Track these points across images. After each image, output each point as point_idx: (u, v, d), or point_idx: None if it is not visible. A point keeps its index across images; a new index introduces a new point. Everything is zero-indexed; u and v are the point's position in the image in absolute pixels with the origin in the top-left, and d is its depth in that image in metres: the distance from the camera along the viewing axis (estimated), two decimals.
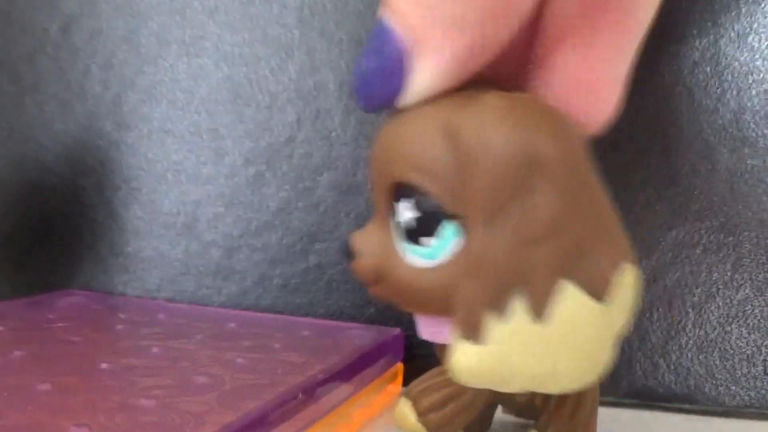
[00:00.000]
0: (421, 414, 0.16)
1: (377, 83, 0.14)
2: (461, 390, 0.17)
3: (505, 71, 0.16)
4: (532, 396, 0.18)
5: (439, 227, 0.14)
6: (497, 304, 0.13)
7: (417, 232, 0.14)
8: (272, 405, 0.17)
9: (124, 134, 0.31)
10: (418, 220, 0.14)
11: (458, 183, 0.13)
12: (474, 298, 0.13)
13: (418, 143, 0.14)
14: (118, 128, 0.31)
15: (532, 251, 0.13)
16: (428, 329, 0.16)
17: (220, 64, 0.29)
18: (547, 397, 0.18)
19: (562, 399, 0.17)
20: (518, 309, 0.13)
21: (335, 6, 0.28)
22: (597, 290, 0.13)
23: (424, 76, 0.14)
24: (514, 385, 0.13)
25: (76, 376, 0.19)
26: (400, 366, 0.25)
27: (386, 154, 0.15)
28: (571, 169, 0.13)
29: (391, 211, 0.15)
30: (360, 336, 0.24)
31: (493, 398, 0.18)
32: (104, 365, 0.20)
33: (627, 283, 0.14)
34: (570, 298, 0.13)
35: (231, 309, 0.29)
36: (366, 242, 0.15)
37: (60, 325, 0.24)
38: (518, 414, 0.20)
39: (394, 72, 0.14)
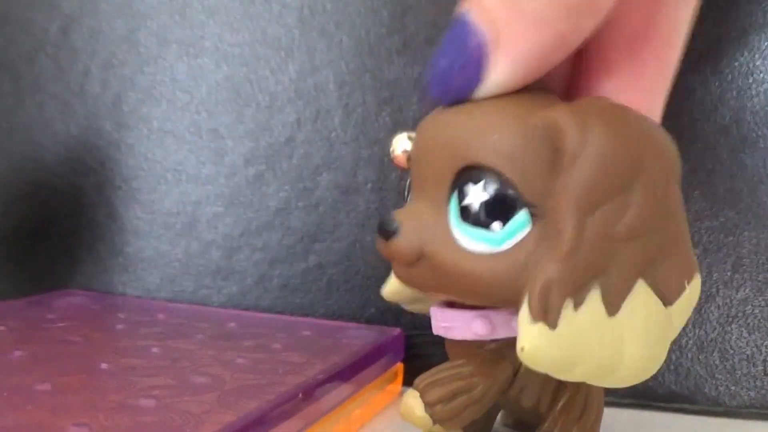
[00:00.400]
0: (430, 405, 0.16)
1: (455, 76, 0.14)
2: (471, 385, 0.17)
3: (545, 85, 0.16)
4: (539, 401, 0.18)
5: (513, 213, 0.14)
6: (577, 293, 0.13)
7: (487, 215, 0.14)
8: (272, 405, 0.17)
9: (124, 134, 0.31)
10: (491, 202, 0.14)
11: (538, 174, 0.14)
12: (556, 282, 0.13)
13: (504, 130, 0.14)
14: (118, 128, 0.31)
15: (619, 248, 0.13)
16: (442, 324, 0.16)
17: (220, 64, 0.29)
18: (552, 403, 0.17)
19: (569, 405, 0.17)
20: (595, 300, 0.13)
21: (335, 6, 0.28)
22: (668, 295, 0.14)
23: (503, 70, 0.14)
24: (577, 372, 0.14)
25: (76, 376, 0.19)
26: (400, 366, 0.25)
27: (457, 137, 0.15)
28: (666, 178, 0.14)
29: (450, 193, 0.15)
30: (360, 336, 0.24)
31: (500, 399, 0.18)
32: (104, 365, 0.20)
33: (693, 293, 0.15)
34: (643, 298, 0.14)
35: (231, 309, 0.29)
36: (409, 220, 0.15)
37: (60, 324, 0.24)
38: (516, 422, 0.20)
39: (473, 65, 0.14)
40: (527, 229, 0.14)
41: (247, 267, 0.29)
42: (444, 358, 0.18)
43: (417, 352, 0.26)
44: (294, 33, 0.28)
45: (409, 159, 0.17)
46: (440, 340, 0.18)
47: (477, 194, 0.14)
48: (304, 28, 0.28)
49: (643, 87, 0.16)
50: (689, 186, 0.25)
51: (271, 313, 0.28)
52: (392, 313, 0.27)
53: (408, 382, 0.25)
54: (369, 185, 0.28)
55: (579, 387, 0.17)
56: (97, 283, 0.31)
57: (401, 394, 0.25)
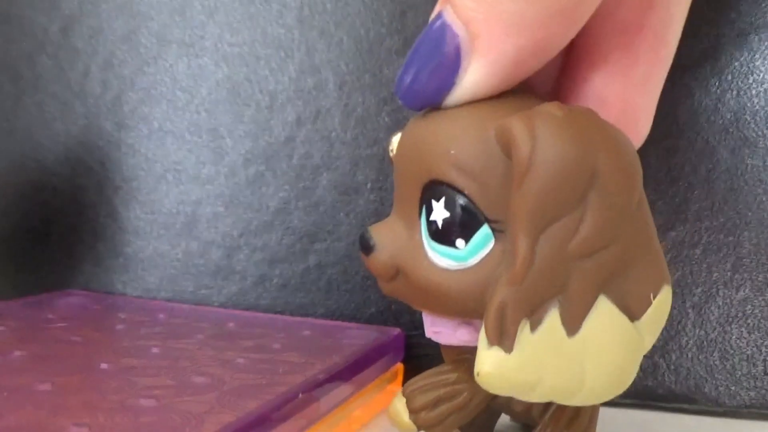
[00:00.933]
0: (413, 412, 0.16)
1: (427, 79, 0.14)
2: (456, 391, 0.16)
3: (532, 84, 0.16)
4: (530, 406, 0.17)
5: (474, 230, 0.14)
6: (533, 314, 0.13)
7: (449, 233, 0.14)
8: (272, 405, 0.17)
9: (124, 134, 0.31)
10: (452, 220, 0.14)
11: (500, 187, 0.13)
12: (510, 305, 0.13)
13: (463, 143, 0.14)
14: (118, 128, 0.31)
15: (577, 264, 0.13)
16: (432, 329, 0.16)
17: (220, 64, 0.29)
18: (545, 408, 0.17)
19: (559, 410, 0.17)
20: (553, 320, 0.13)
21: (335, 6, 0.28)
22: (634, 309, 0.13)
23: (477, 74, 0.14)
24: (538, 394, 0.13)
25: (76, 376, 0.19)
26: (400, 366, 0.25)
27: (423, 150, 0.14)
28: (625, 187, 0.13)
29: (420, 208, 0.14)
30: (360, 336, 0.24)
31: (492, 405, 0.18)
32: (104, 365, 0.20)
33: (662, 304, 0.14)
34: (605, 314, 0.13)
35: (231, 309, 0.29)
36: (386, 236, 0.15)
37: (60, 325, 0.24)
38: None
39: (446, 68, 0.14)
40: (491, 245, 0.14)
41: (247, 267, 0.29)
42: (443, 358, 0.18)
43: (417, 352, 0.26)
44: (294, 33, 0.28)
45: None
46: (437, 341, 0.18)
47: (440, 211, 0.14)
48: (304, 28, 0.28)
49: (634, 80, 0.16)
50: (689, 186, 0.25)
51: (271, 313, 0.28)
52: (392, 313, 0.27)
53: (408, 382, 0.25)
54: (369, 185, 0.28)
55: None
56: (97, 283, 0.31)
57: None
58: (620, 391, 0.14)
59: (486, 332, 0.13)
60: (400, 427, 0.17)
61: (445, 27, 0.14)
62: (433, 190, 0.14)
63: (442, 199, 0.14)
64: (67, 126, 0.31)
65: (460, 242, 0.14)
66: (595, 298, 0.13)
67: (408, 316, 0.27)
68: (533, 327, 0.13)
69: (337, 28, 0.28)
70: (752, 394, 0.24)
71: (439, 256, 0.14)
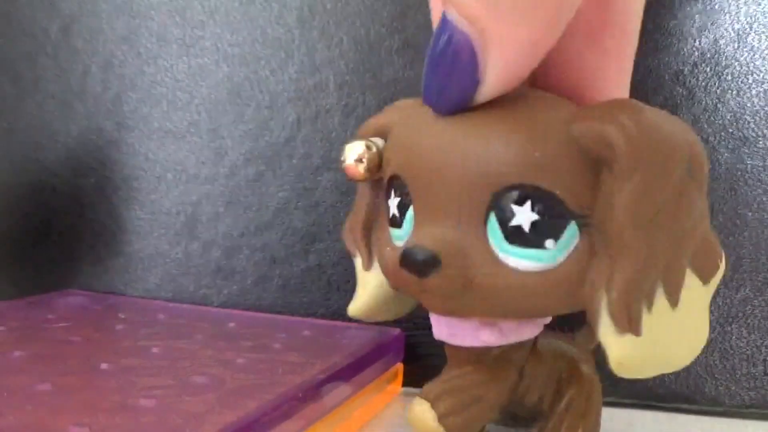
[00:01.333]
0: (442, 416, 0.16)
1: (452, 83, 0.14)
2: (481, 394, 0.16)
3: None
4: (541, 399, 0.18)
5: (563, 229, 0.14)
6: (648, 296, 0.14)
7: (538, 235, 0.14)
8: (272, 405, 0.17)
9: (124, 134, 0.31)
10: (542, 222, 0.14)
11: (583, 183, 0.14)
12: (632, 293, 0.13)
13: (542, 144, 0.14)
14: (118, 128, 0.31)
15: (678, 244, 0.14)
16: (447, 330, 0.16)
17: (220, 64, 0.29)
18: (554, 401, 0.18)
19: (572, 400, 0.18)
20: (660, 297, 0.14)
21: (335, 6, 0.28)
22: (706, 275, 0.15)
23: (498, 67, 0.14)
24: (660, 369, 0.14)
25: (76, 376, 0.19)
26: (400, 366, 0.25)
27: (492, 156, 0.14)
28: (705, 172, 0.15)
29: (487, 215, 0.14)
30: (360, 336, 0.24)
31: (509, 400, 0.18)
32: (104, 365, 0.20)
33: (722, 269, 0.15)
34: (691, 284, 0.14)
35: (231, 309, 0.29)
36: (446, 249, 0.14)
37: (60, 325, 0.24)
38: (504, 417, 0.20)
39: (466, 68, 0.14)
40: (577, 241, 0.14)
41: (247, 267, 0.29)
42: (443, 358, 0.18)
43: (417, 352, 0.26)
44: (294, 33, 0.28)
45: (368, 169, 0.16)
46: (441, 341, 0.18)
47: (525, 215, 0.14)
48: (304, 28, 0.28)
49: (611, 76, 0.16)
50: None
51: (271, 313, 0.28)
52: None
53: (408, 382, 0.25)
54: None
55: (581, 385, 0.18)
56: (97, 283, 0.31)
57: (401, 394, 0.25)
58: (703, 346, 0.15)
59: (615, 322, 0.13)
60: None
61: (453, 29, 0.14)
62: (512, 194, 0.14)
63: (528, 203, 0.14)
64: (67, 126, 0.31)
65: (549, 243, 0.14)
66: (685, 271, 0.14)
67: (408, 316, 0.27)
68: (648, 308, 0.14)
69: (337, 28, 0.28)
70: (752, 394, 0.24)
71: (520, 260, 0.14)
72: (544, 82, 0.16)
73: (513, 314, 0.15)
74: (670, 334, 0.14)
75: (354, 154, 0.16)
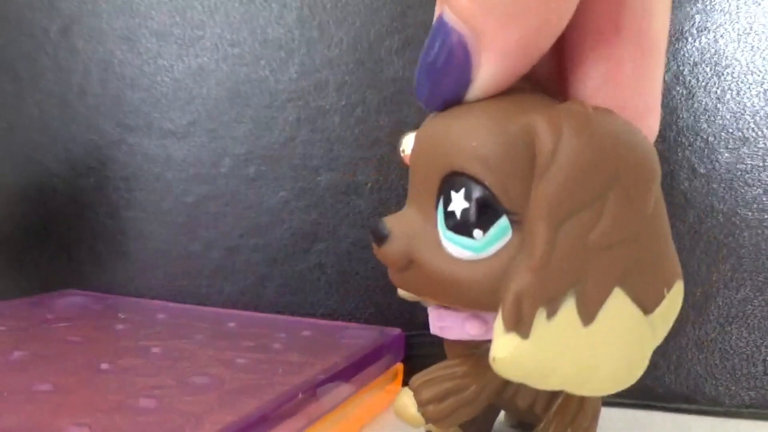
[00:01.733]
0: (421, 404, 0.16)
1: (443, 79, 0.14)
2: (464, 385, 0.17)
3: (535, 78, 0.16)
4: (534, 402, 0.18)
5: (493, 221, 0.14)
6: (550, 302, 0.13)
7: (467, 223, 0.14)
8: (272, 405, 0.17)
9: (124, 134, 0.31)
10: (471, 211, 0.14)
11: (519, 181, 0.14)
12: (528, 292, 0.13)
13: (485, 136, 0.14)
14: (118, 128, 0.31)
15: (594, 256, 0.13)
16: (438, 324, 0.16)
17: (220, 64, 0.29)
18: (548, 404, 0.17)
19: (563, 406, 0.17)
20: (569, 309, 0.13)
21: (335, 6, 0.28)
22: (647, 303, 0.14)
23: (490, 65, 0.14)
24: (551, 382, 0.13)
25: (76, 376, 0.19)
26: (400, 366, 0.25)
27: (444, 143, 0.15)
28: (644, 186, 0.14)
29: (437, 200, 0.15)
30: (360, 336, 0.24)
31: (496, 400, 0.18)
32: (104, 365, 0.20)
33: (674, 298, 0.14)
34: (620, 307, 0.14)
35: (231, 309, 0.29)
36: (400, 226, 0.15)
37: (60, 325, 0.24)
38: (520, 423, 0.20)
39: (458, 66, 0.14)
40: (508, 236, 0.14)
41: (247, 267, 0.29)
42: (443, 357, 0.18)
43: (417, 352, 0.26)
44: (294, 33, 0.28)
45: None
46: (440, 340, 0.18)
47: (459, 202, 0.14)
48: (304, 28, 0.28)
49: (624, 84, 0.16)
50: (689, 186, 0.25)
51: (271, 313, 0.28)
52: (392, 313, 0.27)
53: (408, 382, 0.25)
54: (369, 185, 0.28)
55: None
56: (97, 283, 0.31)
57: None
58: (630, 382, 0.14)
59: (503, 318, 0.13)
60: (408, 420, 0.17)
61: (447, 28, 0.14)
62: (452, 181, 0.14)
63: (462, 190, 0.14)
64: (67, 126, 0.31)
65: (477, 233, 0.14)
66: (610, 290, 0.13)
67: (408, 316, 0.27)
68: (549, 315, 0.13)
69: (337, 28, 0.28)
70: (752, 394, 0.24)
71: (454, 246, 0.14)
72: (554, 87, 0.16)
73: (448, 300, 0.15)
74: (571, 350, 0.13)
75: (410, 145, 0.17)
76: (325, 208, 0.28)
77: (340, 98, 0.28)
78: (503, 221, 0.14)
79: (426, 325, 0.18)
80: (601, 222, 0.13)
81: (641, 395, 0.25)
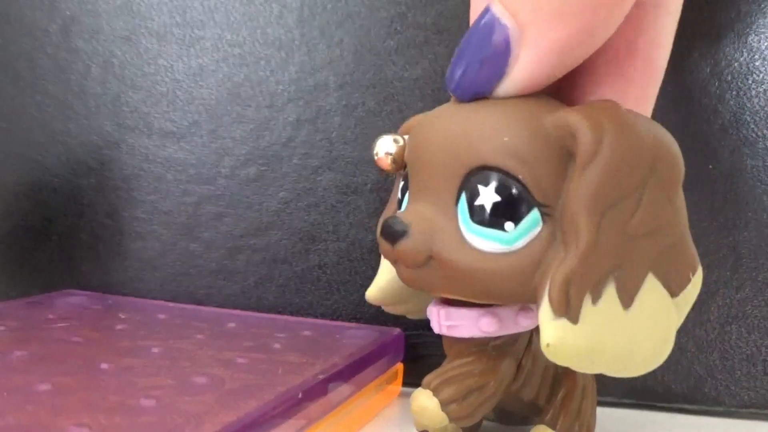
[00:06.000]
0: (444, 403, 0.17)
1: (478, 70, 0.14)
2: (483, 382, 0.17)
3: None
4: (537, 395, 0.18)
5: (525, 214, 0.14)
6: (595, 288, 0.14)
7: (498, 216, 0.14)
8: (272, 405, 0.17)
9: (124, 134, 0.31)
10: (503, 203, 0.14)
11: (550, 175, 0.14)
12: (575, 279, 0.13)
13: (517, 132, 0.14)
14: (118, 128, 0.31)
15: (632, 244, 0.14)
16: (446, 323, 0.16)
17: (220, 64, 0.29)
18: (550, 397, 0.18)
19: (568, 395, 0.18)
20: (611, 294, 0.14)
21: (335, 6, 0.28)
22: (674, 287, 0.15)
23: (528, 63, 0.14)
24: (598, 365, 0.14)
25: (76, 376, 0.19)
26: (400, 366, 0.25)
27: (468, 138, 0.15)
28: (676, 177, 0.15)
29: (459, 194, 0.15)
30: (360, 336, 0.24)
31: (506, 394, 0.18)
32: (104, 365, 0.20)
33: (696, 285, 0.15)
34: (653, 290, 0.14)
35: (231, 309, 0.29)
36: (417, 222, 0.15)
37: (60, 325, 0.24)
38: (499, 415, 0.20)
39: (496, 59, 0.14)
40: (538, 229, 0.14)
41: (247, 267, 0.29)
42: (443, 357, 0.18)
43: (417, 352, 0.26)
44: (294, 33, 0.28)
45: (394, 161, 0.17)
46: (440, 340, 0.18)
47: (488, 195, 0.14)
48: (304, 28, 0.28)
49: (628, 103, 0.16)
50: (689, 186, 0.25)
51: (271, 313, 0.28)
52: (392, 313, 0.27)
53: (408, 382, 0.25)
54: (369, 185, 0.28)
55: (575, 381, 0.18)
56: (97, 283, 0.31)
57: (401, 394, 0.25)
58: (659, 362, 0.15)
59: (552, 305, 0.14)
60: (430, 421, 0.17)
61: (493, 20, 0.14)
62: (480, 175, 0.14)
63: (492, 184, 0.14)
64: (67, 126, 0.31)
65: (509, 225, 0.14)
66: (645, 275, 0.14)
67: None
68: (594, 300, 0.14)
69: (337, 28, 0.28)
70: (752, 394, 0.24)
71: (482, 239, 0.14)
72: (569, 99, 0.17)
73: (472, 294, 0.15)
74: (615, 333, 0.14)
75: (383, 147, 0.17)
76: (325, 208, 0.28)
77: (340, 98, 0.28)
78: (534, 214, 0.14)
79: (426, 325, 0.18)
80: (639, 211, 0.14)
81: (641, 395, 0.25)
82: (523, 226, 0.14)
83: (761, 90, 0.24)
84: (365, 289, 0.20)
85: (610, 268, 0.14)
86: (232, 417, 0.16)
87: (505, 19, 0.14)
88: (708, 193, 0.24)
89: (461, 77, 0.15)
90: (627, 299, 0.14)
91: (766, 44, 0.24)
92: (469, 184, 0.15)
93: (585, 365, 0.14)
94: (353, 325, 0.26)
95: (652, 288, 0.14)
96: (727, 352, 0.24)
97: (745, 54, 0.24)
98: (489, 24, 0.14)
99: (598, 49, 0.15)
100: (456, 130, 0.15)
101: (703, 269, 0.24)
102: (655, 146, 0.14)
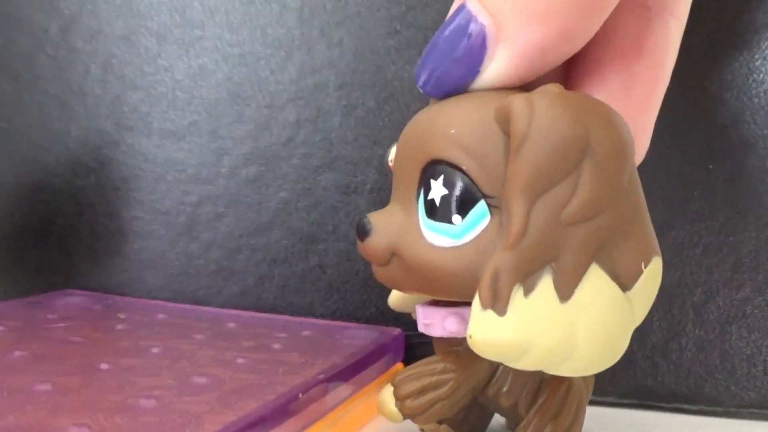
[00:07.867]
0: (399, 399, 0.17)
1: (452, 67, 0.14)
2: (442, 381, 0.17)
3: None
4: (516, 401, 0.17)
5: (471, 206, 0.14)
6: (527, 279, 0.13)
7: (446, 210, 0.14)
8: (272, 405, 0.17)
9: (124, 134, 0.31)
10: (450, 196, 0.14)
11: (498, 166, 0.14)
12: (504, 270, 0.13)
13: (463, 122, 0.14)
14: (118, 128, 0.31)
15: (570, 231, 0.13)
16: (423, 321, 0.16)
17: (220, 64, 0.29)
18: (531, 404, 0.17)
19: (545, 404, 0.17)
20: (546, 286, 0.13)
21: (335, 6, 0.28)
22: (624, 279, 0.14)
23: (501, 62, 0.14)
24: (528, 360, 0.13)
25: (76, 376, 0.19)
26: (400, 366, 0.25)
27: (425, 132, 0.15)
28: (617, 160, 0.14)
29: (419, 190, 0.15)
30: (360, 336, 0.24)
31: (482, 399, 0.18)
32: (104, 365, 0.20)
33: (652, 275, 0.14)
34: (597, 282, 0.13)
35: (231, 309, 0.29)
36: (383, 221, 0.15)
37: (60, 325, 0.24)
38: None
39: (471, 57, 0.14)
40: (486, 221, 0.14)
41: (247, 267, 0.29)
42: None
43: (417, 352, 0.26)
44: (294, 33, 0.28)
45: None
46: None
47: (438, 189, 0.14)
48: (304, 28, 0.28)
49: (634, 102, 0.16)
50: (689, 186, 0.25)
51: (271, 313, 0.28)
52: (392, 313, 0.27)
53: None
54: (369, 185, 0.28)
55: (557, 388, 0.17)
56: (97, 283, 0.31)
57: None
58: (609, 363, 0.14)
59: (479, 296, 0.13)
60: (386, 415, 0.17)
61: (470, 17, 0.14)
62: (432, 169, 0.14)
63: (441, 177, 0.14)
64: (67, 126, 0.31)
65: (456, 218, 0.14)
66: (587, 266, 0.13)
67: (408, 316, 0.27)
68: (526, 292, 0.13)
69: (337, 28, 0.28)
70: (752, 394, 0.24)
71: (434, 234, 0.14)
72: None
73: (431, 290, 0.15)
74: (549, 327, 0.13)
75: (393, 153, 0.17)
76: (325, 208, 0.28)
77: (340, 98, 0.28)
78: (481, 206, 0.14)
79: None
80: (575, 197, 0.13)
81: (641, 395, 0.25)
82: (470, 219, 0.14)
83: (761, 90, 0.24)
84: (365, 289, 0.20)
85: (544, 258, 0.13)
86: (232, 417, 0.16)
87: (482, 16, 0.14)
88: (708, 193, 0.24)
89: (434, 77, 0.15)
90: (565, 291, 0.13)
91: (766, 44, 0.24)
92: (424, 180, 0.15)
93: (513, 360, 0.13)
94: (353, 325, 0.26)
95: (596, 279, 0.13)
96: (727, 352, 0.24)
97: (745, 54, 0.24)
98: (465, 21, 0.14)
99: (605, 50, 0.15)
100: (420, 127, 0.15)
101: (703, 269, 0.24)
102: (591, 125, 0.13)
